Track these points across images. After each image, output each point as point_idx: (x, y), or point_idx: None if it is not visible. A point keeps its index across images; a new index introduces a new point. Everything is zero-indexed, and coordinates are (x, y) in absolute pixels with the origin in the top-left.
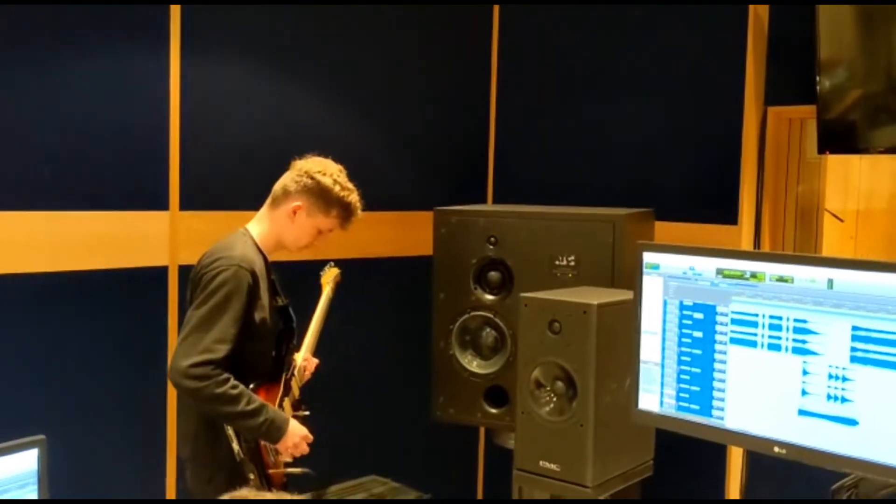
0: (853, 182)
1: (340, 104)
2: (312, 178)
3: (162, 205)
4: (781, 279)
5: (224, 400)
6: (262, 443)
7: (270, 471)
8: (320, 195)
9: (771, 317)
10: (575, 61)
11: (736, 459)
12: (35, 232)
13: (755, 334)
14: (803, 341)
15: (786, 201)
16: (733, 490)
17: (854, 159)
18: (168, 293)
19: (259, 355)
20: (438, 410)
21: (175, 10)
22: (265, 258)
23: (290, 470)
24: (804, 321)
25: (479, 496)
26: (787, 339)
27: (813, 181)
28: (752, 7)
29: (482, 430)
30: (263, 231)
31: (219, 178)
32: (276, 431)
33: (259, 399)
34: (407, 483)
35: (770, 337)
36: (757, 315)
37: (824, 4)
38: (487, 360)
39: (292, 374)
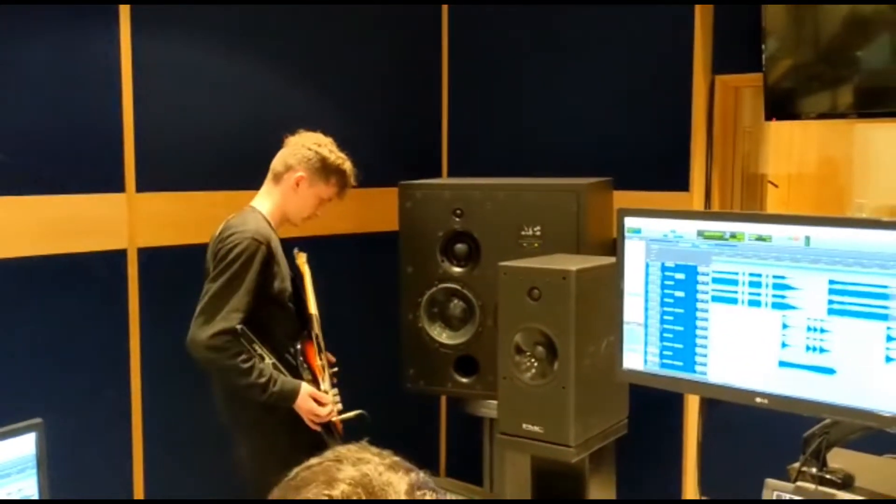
0: (785, 148)
1: (297, 83)
2: (310, 150)
3: (118, 187)
4: (760, 238)
5: (236, 372)
6: None
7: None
8: (320, 164)
9: (751, 274)
10: (525, 36)
11: (692, 413)
12: None
13: (736, 292)
14: (782, 297)
15: (733, 168)
16: (691, 442)
17: (786, 126)
18: (128, 276)
19: (286, 320)
20: (409, 382)
21: None
22: (275, 232)
23: (344, 416)
24: (783, 277)
25: (443, 464)
26: (766, 295)
27: (752, 148)
28: None
29: (444, 400)
30: (269, 206)
31: (175, 159)
32: (285, 400)
33: (271, 373)
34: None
35: (750, 294)
36: (737, 273)
37: None
38: (456, 331)
39: (316, 332)
